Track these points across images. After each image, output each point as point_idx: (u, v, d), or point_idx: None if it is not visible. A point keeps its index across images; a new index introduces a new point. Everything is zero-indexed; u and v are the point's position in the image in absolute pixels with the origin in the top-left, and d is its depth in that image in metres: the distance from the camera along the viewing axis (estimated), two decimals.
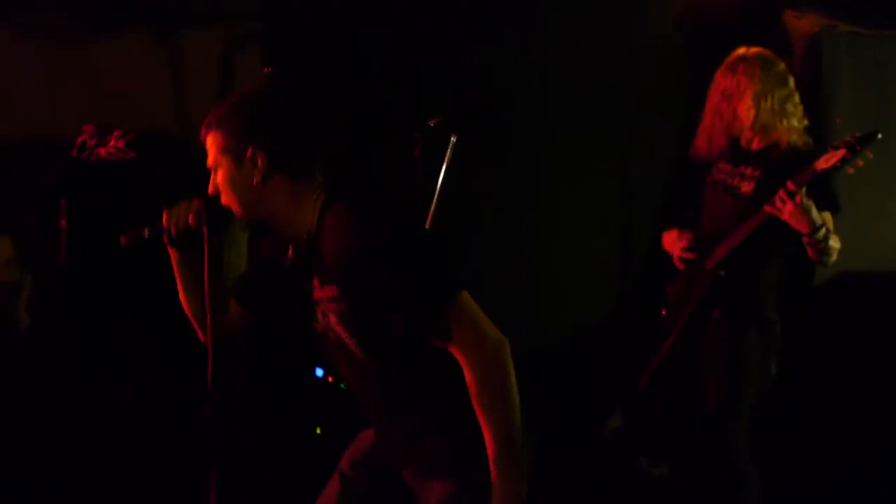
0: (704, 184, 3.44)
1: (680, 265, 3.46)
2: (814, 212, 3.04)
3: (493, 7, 4.22)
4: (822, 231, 3.06)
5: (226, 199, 2.21)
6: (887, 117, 4.36)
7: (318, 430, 3.61)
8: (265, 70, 4.15)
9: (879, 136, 2.97)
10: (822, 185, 3.11)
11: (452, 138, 3.29)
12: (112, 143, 3.71)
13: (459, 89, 3.94)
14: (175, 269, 2.37)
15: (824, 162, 3.01)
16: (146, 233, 2.28)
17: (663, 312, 3.49)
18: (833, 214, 3.18)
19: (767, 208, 3.08)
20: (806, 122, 3.31)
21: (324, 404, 3.66)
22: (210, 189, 2.24)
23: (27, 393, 3.54)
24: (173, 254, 2.34)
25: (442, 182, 3.28)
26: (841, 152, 2.98)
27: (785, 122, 3.25)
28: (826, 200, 3.14)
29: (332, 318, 2.19)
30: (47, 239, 3.63)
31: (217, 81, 4.30)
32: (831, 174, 3.06)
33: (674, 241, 3.48)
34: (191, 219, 2.22)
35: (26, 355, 3.66)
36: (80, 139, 3.78)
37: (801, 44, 4.33)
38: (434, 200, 3.27)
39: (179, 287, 2.39)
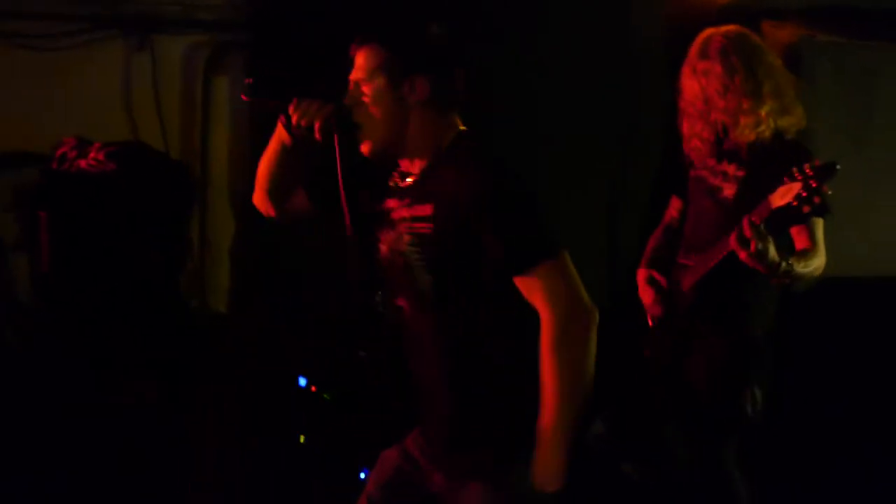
0: (690, 177, 3.22)
1: (650, 321, 3.25)
2: (770, 252, 2.74)
3: (485, 10, 4.21)
4: (783, 266, 2.79)
5: (365, 115, 2.18)
6: (866, 127, 4.39)
7: (302, 439, 3.60)
8: (246, 80, 4.16)
9: (838, 167, 2.65)
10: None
11: None
12: (92, 154, 3.69)
13: None
14: (274, 144, 2.34)
15: (779, 198, 2.72)
16: (271, 105, 2.24)
17: (646, 353, 3.28)
18: (823, 217, 2.93)
19: (731, 241, 2.79)
20: (799, 106, 3.05)
21: (307, 413, 3.65)
22: (347, 99, 2.21)
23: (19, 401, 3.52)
24: (282, 135, 2.29)
25: None
26: (797, 187, 2.68)
27: (764, 106, 2.99)
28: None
29: (406, 240, 2.17)
30: (28, 252, 3.62)
31: (197, 90, 4.29)
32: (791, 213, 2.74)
33: (644, 287, 3.26)
34: (317, 122, 2.18)
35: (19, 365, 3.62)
36: (60, 151, 3.76)
37: (780, 54, 4.34)
38: None
39: (266, 160, 2.37)
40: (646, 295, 3.25)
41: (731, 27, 3.09)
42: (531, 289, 2.05)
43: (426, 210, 2.13)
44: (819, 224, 2.96)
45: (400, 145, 2.21)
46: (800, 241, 2.97)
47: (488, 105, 3.42)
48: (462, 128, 2.25)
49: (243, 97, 2.29)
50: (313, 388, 3.64)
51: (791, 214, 2.68)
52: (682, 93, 3.15)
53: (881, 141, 4.39)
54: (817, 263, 2.93)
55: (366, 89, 2.19)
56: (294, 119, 2.20)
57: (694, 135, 3.13)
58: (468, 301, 2.13)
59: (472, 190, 2.07)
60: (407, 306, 2.25)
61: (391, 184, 2.29)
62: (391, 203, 2.26)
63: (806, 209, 2.67)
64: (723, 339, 3.07)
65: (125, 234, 3.60)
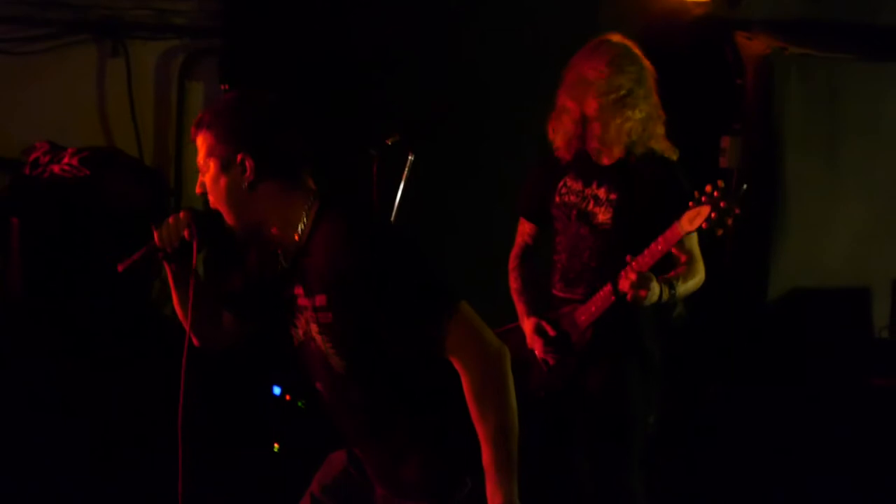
0: (552, 204, 3.07)
1: (544, 366, 3.08)
2: (654, 291, 2.74)
3: (451, 21, 4.22)
4: (664, 297, 2.78)
5: (214, 202, 2.16)
6: (837, 139, 4.44)
7: (276, 448, 3.59)
8: (222, 87, 4.16)
9: (745, 187, 2.59)
10: (679, 200, 2.76)
11: (410, 157, 3.29)
12: (66, 160, 3.67)
13: (418, 106, 3.95)
14: (172, 284, 2.30)
15: (687, 223, 2.65)
16: (141, 255, 2.20)
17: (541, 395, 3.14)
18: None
19: (620, 287, 2.78)
20: (663, 129, 2.95)
21: (281, 422, 3.65)
22: (198, 189, 2.18)
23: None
24: (171, 270, 2.26)
25: (399, 201, 3.27)
26: (705, 210, 2.60)
27: (643, 127, 2.89)
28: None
29: (314, 328, 2.16)
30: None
31: (172, 96, 4.27)
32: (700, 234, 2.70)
33: (533, 337, 3.07)
34: (185, 233, 2.16)
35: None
36: (32, 156, 3.74)
37: (752, 65, 4.39)
38: (392, 218, 3.27)
39: (177, 305, 2.32)
40: (536, 344, 3.07)
41: (624, 40, 2.97)
42: (439, 351, 2.07)
43: (322, 300, 2.12)
44: (693, 238, 2.88)
45: (263, 227, 2.16)
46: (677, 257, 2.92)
47: (447, 119, 3.44)
48: (325, 190, 2.19)
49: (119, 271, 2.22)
50: (287, 397, 3.63)
51: (706, 237, 2.67)
52: (561, 96, 3.01)
53: (848, 152, 4.44)
54: (699, 277, 2.90)
55: (207, 176, 2.15)
56: (167, 247, 2.18)
57: (564, 139, 3.01)
58: (384, 377, 2.16)
59: (351, 274, 2.05)
60: (323, 388, 2.26)
61: (278, 267, 2.24)
62: (294, 290, 2.21)
63: (719, 232, 2.63)
64: (621, 361, 3.00)
65: (98, 241, 3.57)
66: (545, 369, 3.10)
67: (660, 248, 2.75)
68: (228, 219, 2.16)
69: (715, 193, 2.63)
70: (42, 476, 3.41)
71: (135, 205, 3.70)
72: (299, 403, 3.56)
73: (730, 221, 2.62)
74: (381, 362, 2.14)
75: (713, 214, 2.61)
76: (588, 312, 2.98)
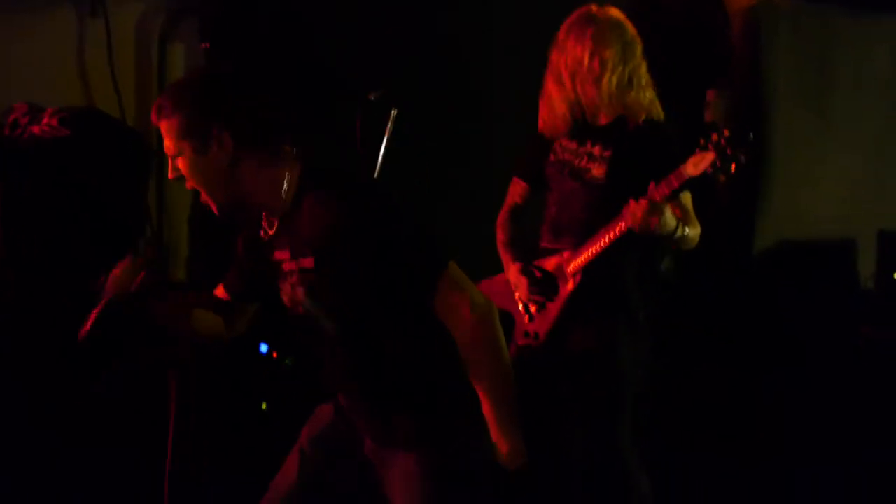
0: (546, 162, 3.15)
1: (533, 307, 3.11)
2: (670, 220, 2.83)
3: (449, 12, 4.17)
4: (679, 230, 2.86)
5: (193, 184, 2.14)
6: (827, 91, 4.42)
7: (264, 406, 3.59)
8: (202, 45, 4.12)
9: (752, 136, 2.67)
10: (671, 161, 2.82)
11: (393, 111, 3.27)
12: (45, 120, 3.62)
13: (403, 60, 3.91)
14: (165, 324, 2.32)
15: (692, 167, 2.72)
16: (97, 316, 2.17)
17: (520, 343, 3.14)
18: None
19: (626, 220, 2.82)
20: (653, 93, 3.03)
21: (269, 380, 3.64)
22: (171, 174, 2.16)
23: None
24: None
25: (382, 157, 3.26)
26: (710, 156, 2.68)
27: (634, 94, 2.97)
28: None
29: (300, 290, 2.16)
30: None
31: (152, 56, 4.22)
32: (701, 182, 2.76)
33: (519, 278, 3.10)
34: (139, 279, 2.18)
35: None
36: (11, 117, 3.69)
37: (738, 18, 4.36)
38: (376, 174, 3.25)
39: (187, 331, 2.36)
40: (521, 285, 3.10)
41: (613, 10, 3.04)
42: (438, 301, 2.11)
43: (308, 263, 2.12)
44: (687, 195, 2.96)
45: (247, 200, 2.16)
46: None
47: (443, 105, 3.41)
48: (305, 153, 2.20)
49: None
50: (274, 355, 3.63)
51: (708, 182, 2.71)
52: (552, 64, 3.07)
53: (839, 103, 4.43)
54: (698, 229, 2.97)
55: (181, 162, 2.12)
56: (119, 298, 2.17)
57: (554, 112, 3.08)
58: (373, 335, 2.17)
59: (342, 233, 2.06)
60: (314, 347, 2.28)
61: (262, 235, 2.26)
62: (278, 255, 2.22)
63: (721, 178, 2.70)
64: (607, 320, 3.02)
65: (81, 202, 3.54)
66: (526, 318, 3.10)
67: (664, 190, 2.78)
68: (211, 198, 2.15)
69: (722, 141, 2.68)
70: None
71: (117, 165, 3.67)
72: (286, 361, 3.57)
73: (733, 167, 2.67)
74: (370, 321, 2.15)
75: (717, 161, 2.67)
76: (577, 258, 3.00)
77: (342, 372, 2.26)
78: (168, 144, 2.14)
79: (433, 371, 2.20)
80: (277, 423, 3.51)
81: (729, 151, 2.66)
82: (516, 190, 3.31)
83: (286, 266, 2.19)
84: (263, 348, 3.63)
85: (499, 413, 2.11)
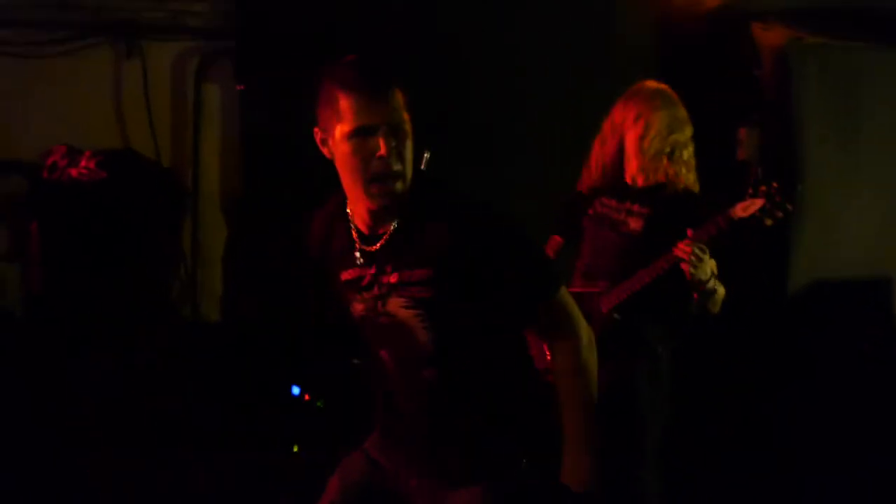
0: (585, 216, 3.24)
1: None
2: (707, 261, 2.89)
3: (464, 22, 4.19)
4: (713, 282, 2.92)
5: (402, 169, 2.05)
6: (856, 128, 4.40)
7: (296, 448, 3.60)
8: (238, 87, 4.17)
9: (800, 188, 2.87)
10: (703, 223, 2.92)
11: (426, 154, 3.29)
12: (83, 163, 3.69)
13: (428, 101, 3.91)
14: None
15: (741, 210, 2.83)
16: None
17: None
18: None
19: (676, 252, 2.89)
20: (694, 175, 3.13)
21: (301, 422, 3.65)
22: (384, 151, 2.02)
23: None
24: None
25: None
26: (759, 202, 2.80)
27: (674, 167, 3.08)
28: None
29: (399, 302, 2.12)
30: (18, 263, 3.60)
31: (188, 97, 4.28)
32: (746, 225, 2.86)
33: None
34: None
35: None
36: (50, 159, 3.76)
37: (769, 56, 4.36)
38: None
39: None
40: None
41: (662, 86, 3.16)
42: (549, 319, 2.14)
43: (423, 275, 2.09)
44: (713, 263, 3.00)
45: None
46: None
47: (466, 108, 3.41)
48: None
49: None
50: (307, 397, 3.64)
51: (752, 226, 2.82)
52: (602, 129, 3.20)
53: (867, 142, 4.40)
54: (723, 292, 3.01)
55: (407, 141, 2.07)
56: None
57: (598, 170, 3.20)
58: (469, 352, 2.16)
59: (469, 242, 2.05)
60: (390, 358, 2.23)
61: (356, 253, 2.19)
62: (373, 266, 2.17)
63: (769, 222, 2.82)
64: (634, 359, 3.07)
65: (117, 243, 3.59)
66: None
67: (712, 231, 2.88)
68: (403, 180, 2.06)
69: (773, 189, 2.82)
70: (61, 468, 3.44)
71: (152, 206, 3.72)
72: (318, 403, 3.57)
73: (780, 214, 2.82)
74: (472, 337, 2.15)
75: (767, 205, 2.80)
76: (614, 295, 3.06)
77: (417, 394, 2.20)
78: (402, 118, 2.07)
79: (513, 401, 2.18)
80: (310, 465, 3.51)
81: (778, 199, 2.80)
82: (551, 245, 3.40)
83: (384, 279, 2.14)
84: (295, 390, 3.64)
85: (587, 434, 2.12)
